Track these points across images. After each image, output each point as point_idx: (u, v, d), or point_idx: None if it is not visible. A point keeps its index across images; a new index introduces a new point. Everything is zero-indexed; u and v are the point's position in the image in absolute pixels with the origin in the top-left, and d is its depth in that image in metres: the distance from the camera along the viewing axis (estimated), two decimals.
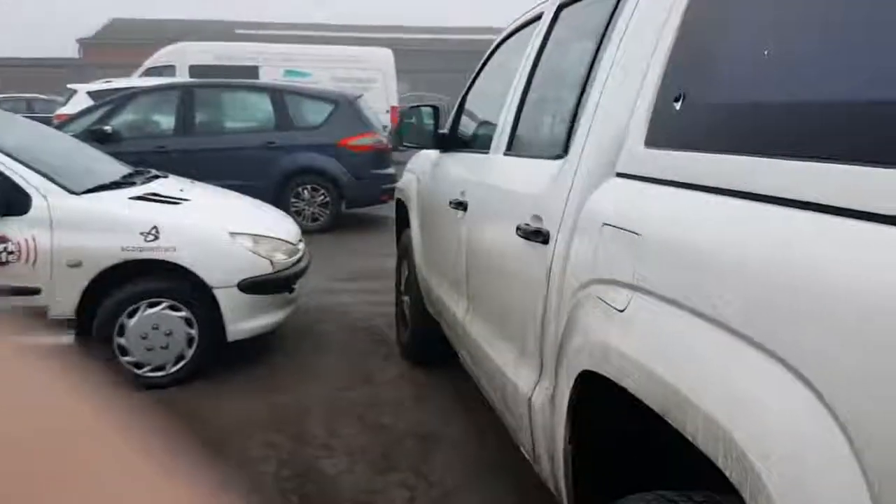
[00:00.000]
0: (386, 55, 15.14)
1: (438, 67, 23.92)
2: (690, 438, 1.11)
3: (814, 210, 1.01)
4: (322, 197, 8.23)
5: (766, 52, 1.20)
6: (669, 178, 1.36)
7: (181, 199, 3.91)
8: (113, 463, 0.26)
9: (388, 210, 9.00)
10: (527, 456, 2.04)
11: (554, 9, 2.31)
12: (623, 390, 1.32)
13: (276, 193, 7.56)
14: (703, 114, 1.36)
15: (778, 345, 0.98)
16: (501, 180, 2.30)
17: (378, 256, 6.73)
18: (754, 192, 1.14)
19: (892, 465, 0.80)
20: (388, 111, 14.06)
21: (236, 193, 4.74)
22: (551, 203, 1.77)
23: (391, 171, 8.55)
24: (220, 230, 3.70)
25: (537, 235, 1.79)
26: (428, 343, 3.74)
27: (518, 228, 1.91)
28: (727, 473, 1.03)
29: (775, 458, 0.95)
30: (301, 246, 4.17)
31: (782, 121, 1.17)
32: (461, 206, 2.62)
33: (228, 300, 3.60)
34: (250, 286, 3.66)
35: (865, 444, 0.83)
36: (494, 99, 2.72)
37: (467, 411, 3.36)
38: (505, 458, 2.84)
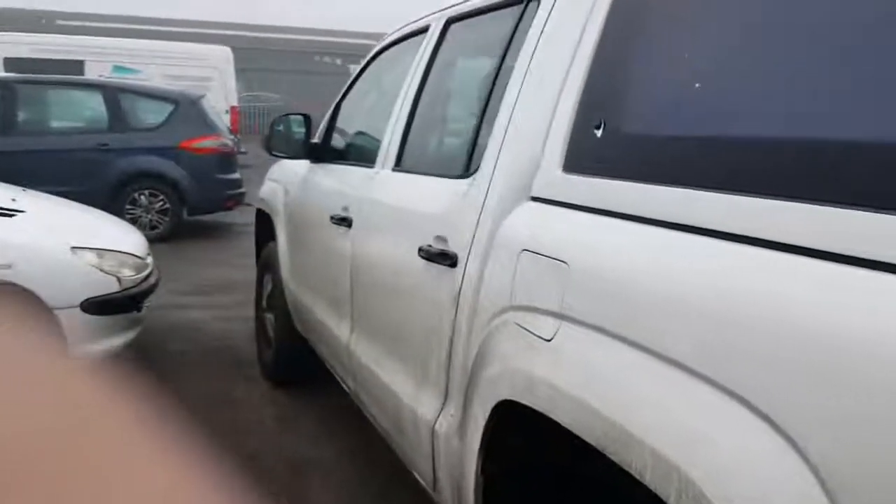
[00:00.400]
0: (224, 53, 14.57)
1: (273, 67, 23.30)
2: (637, 475, 1.09)
3: (747, 243, 1.02)
4: (161, 203, 7.74)
5: (696, 85, 1.22)
6: (593, 205, 1.35)
7: (14, 210, 3.50)
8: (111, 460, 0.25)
9: (235, 217, 8.70)
10: (423, 483, 1.97)
11: (443, 23, 2.27)
12: (547, 422, 1.29)
13: (110, 199, 7.02)
14: (627, 142, 1.35)
15: (731, 381, 0.97)
16: (394, 198, 2.22)
17: (226, 267, 6.40)
18: (685, 223, 1.14)
19: (855, 495, 0.80)
20: (227, 111, 13.53)
21: (78, 204, 4.32)
22: (459, 225, 1.71)
23: (237, 176, 8.19)
24: (61, 245, 3.34)
25: (443, 258, 1.73)
26: (294, 362, 3.58)
27: (420, 249, 1.84)
28: None
29: (738, 499, 0.94)
30: (150, 260, 3.86)
31: (708, 152, 1.18)
32: (345, 221, 2.51)
33: (71, 322, 3.26)
34: (95, 306, 3.33)
35: (838, 484, 0.83)
36: (375, 111, 2.64)
37: (336, 434, 3.24)
38: (382, 481, 2.76)
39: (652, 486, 1.06)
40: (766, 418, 0.91)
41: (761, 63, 1.15)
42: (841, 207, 0.90)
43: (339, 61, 25.16)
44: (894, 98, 0.92)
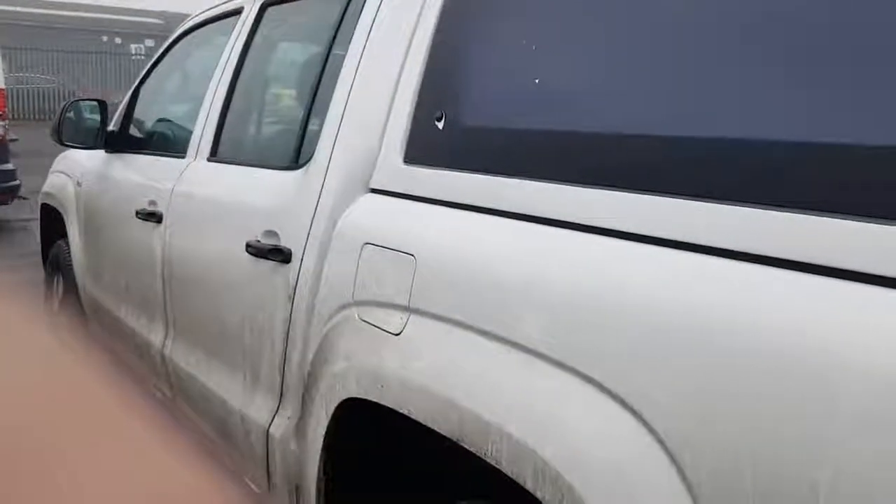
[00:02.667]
0: None
1: (45, 46, 21.12)
2: (493, 462, 1.11)
3: (591, 232, 1.07)
4: None
5: (536, 78, 1.25)
6: (438, 197, 1.35)
7: None
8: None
9: (9, 213, 7.77)
10: (254, 487, 1.88)
11: (259, 5, 2.16)
12: (395, 418, 1.28)
13: None
14: (469, 133, 1.36)
15: (582, 364, 1.01)
16: (213, 190, 2.08)
17: (6, 272, 5.73)
18: (530, 213, 1.18)
19: (711, 474, 0.87)
20: None
21: None
22: (292, 218, 1.64)
23: (10, 166, 7.35)
24: None
25: (275, 254, 1.65)
26: None
27: (248, 245, 1.74)
28: (538, 495, 1.04)
29: (594, 474, 0.98)
30: None
31: (551, 144, 1.22)
32: (153, 216, 2.32)
33: None
34: None
35: (685, 456, 0.89)
36: (183, 98, 2.46)
37: None
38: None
39: (509, 472, 1.08)
40: (617, 398, 0.96)
41: (597, 55, 1.20)
42: (686, 199, 0.96)
43: (118, 41, 23.29)
44: (715, 86, 1.00)
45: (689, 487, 0.88)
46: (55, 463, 0.24)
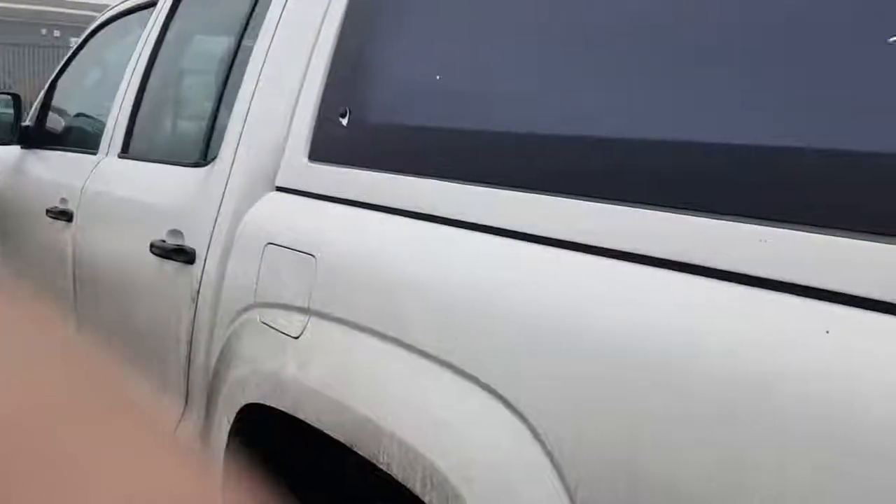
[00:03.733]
0: None
1: None
2: (384, 468, 1.09)
3: (499, 234, 1.06)
4: None
5: (439, 76, 1.23)
6: (341, 195, 1.32)
7: None
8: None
9: None
10: None
11: None
12: (297, 423, 1.25)
13: None
14: (374, 131, 1.34)
15: (472, 365, 1.00)
16: (121, 188, 2.01)
17: None
18: (432, 213, 1.16)
19: (586, 475, 0.86)
20: None
21: None
22: (196, 218, 1.59)
23: None
24: None
25: (179, 254, 1.60)
26: None
27: (153, 246, 1.68)
28: (426, 500, 1.02)
29: (479, 480, 0.96)
30: None
31: (455, 143, 1.20)
32: (64, 215, 2.24)
33: None
34: None
35: (562, 456, 0.88)
36: (98, 92, 2.38)
37: None
38: None
39: (399, 477, 1.05)
40: (503, 401, 0.94)
41: (496, 55, 1.18)
42: (576, 198, 0.95)
43: (57, 33, 22.60)
44: (602, 85, 0.99)
45: (568, 490, 0.87)
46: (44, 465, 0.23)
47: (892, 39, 0.71)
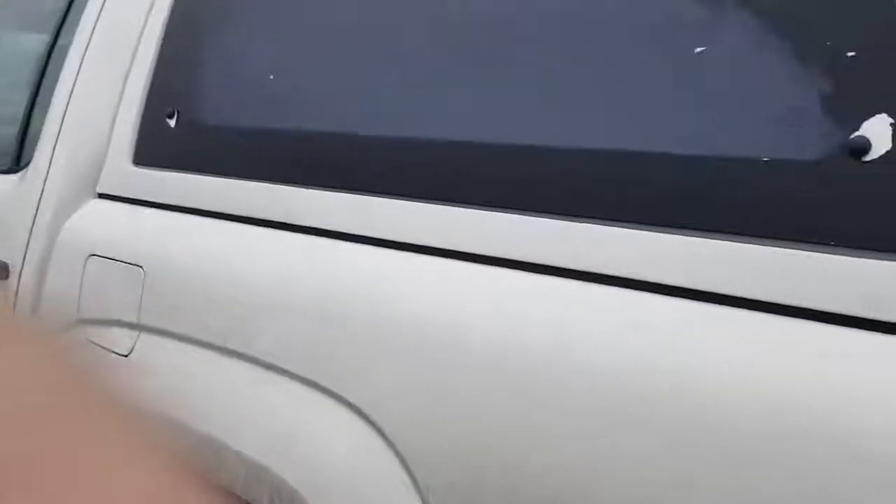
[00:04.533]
0: None
1: None
2: (228, 487, 1.03)
3: (336, 238, 1.03)
4: None
5: (272, 76, 1.18)
6: (170, 202, 1.24)
7: None
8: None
9: None
10: None
11: None
12: None
13: None
14: (204, 134, 1.27)
15: (318, 375, 0.97)
16: None
17: None
18: (268, 219, 1.12)
19: (438, 481, 0.85)
20: None
21: None
22: (9, 228, 1.45)
23: None
24: None
25: None
26: None
27: None
28: None
29: (331, 490, 0.94)
30: None
31: (287, 145, 1.16)
32: None
33: None
34: None
35: (413, 462, 0.87)
36: None
37: None
38: None
39: (245, 496, 1.01)
40: (357, 411, 0.92)
41: (329, 55, 1.15)
42: (412, 201, 0.94)
43: None
44: (444, 88, 0.99)
45: (422, 496, 0.86)
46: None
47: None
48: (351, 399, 0.92)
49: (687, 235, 0.73)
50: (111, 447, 0.25)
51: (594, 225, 0.79)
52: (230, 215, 1.16)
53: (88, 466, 0.24)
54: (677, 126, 0.78)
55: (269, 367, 1.02)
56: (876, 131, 0.62)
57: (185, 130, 1.27)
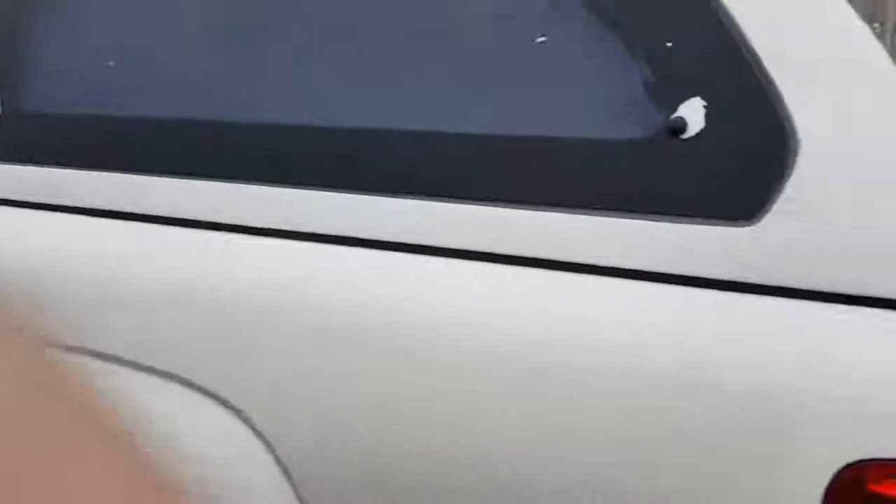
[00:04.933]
0: None
1: None
2: None
3: (177, 225, 1.02)
4: None
5: (111, 63, 1.13)
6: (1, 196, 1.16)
7: None
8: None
9: None
10: None
11: None
12: None
13: None
14: (32, 120, 1.19)
15: (181, 368, 0.95)
16: None
17: None
18: (107, 209, 1.08)
19: (300, 459, 0.87)
20: None
21: None
22: None
23: None
24: None
25: None
26: None
27: None
28: None
29: (210, 475, 0.93)
30: None
31: (121, 132, 1.12)
32: None
33: None
34: None
35: (281, 446, 0.88)
36: None
37: None
38: None
39: None
40: (223, 403, 0.92)
41: (168, 40, 1.12)
42: (247, 184, 0.95)
43: None
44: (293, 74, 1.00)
45: (295, 488, 0.88)
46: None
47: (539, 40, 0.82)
48: (215, 390, 0.92)
49: (528, 210, 0.81)
50: (67, 448, 0.24)
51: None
52: (61, 206, 1.11)
53: (42, 468, 0.23)
54: (520, 111, 0.84)
55: (122, 361, 0.99)
56: (691, 112, 0.71)
57: (9, 119, 1.18)
